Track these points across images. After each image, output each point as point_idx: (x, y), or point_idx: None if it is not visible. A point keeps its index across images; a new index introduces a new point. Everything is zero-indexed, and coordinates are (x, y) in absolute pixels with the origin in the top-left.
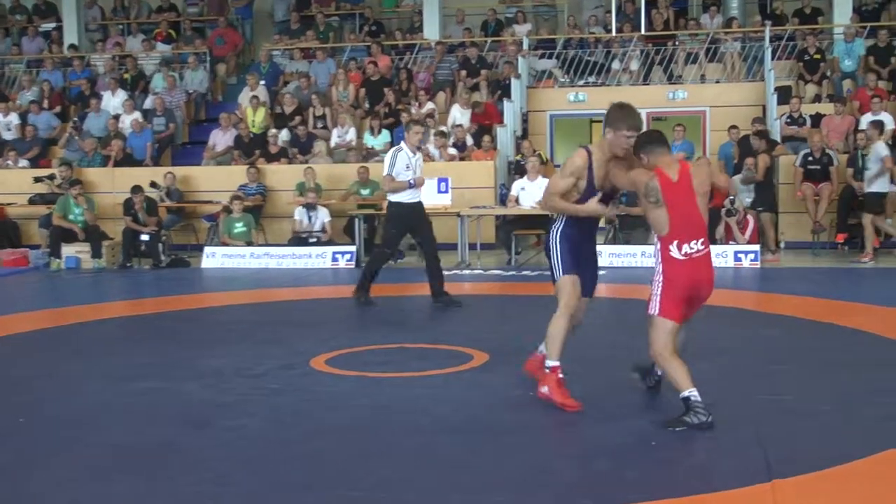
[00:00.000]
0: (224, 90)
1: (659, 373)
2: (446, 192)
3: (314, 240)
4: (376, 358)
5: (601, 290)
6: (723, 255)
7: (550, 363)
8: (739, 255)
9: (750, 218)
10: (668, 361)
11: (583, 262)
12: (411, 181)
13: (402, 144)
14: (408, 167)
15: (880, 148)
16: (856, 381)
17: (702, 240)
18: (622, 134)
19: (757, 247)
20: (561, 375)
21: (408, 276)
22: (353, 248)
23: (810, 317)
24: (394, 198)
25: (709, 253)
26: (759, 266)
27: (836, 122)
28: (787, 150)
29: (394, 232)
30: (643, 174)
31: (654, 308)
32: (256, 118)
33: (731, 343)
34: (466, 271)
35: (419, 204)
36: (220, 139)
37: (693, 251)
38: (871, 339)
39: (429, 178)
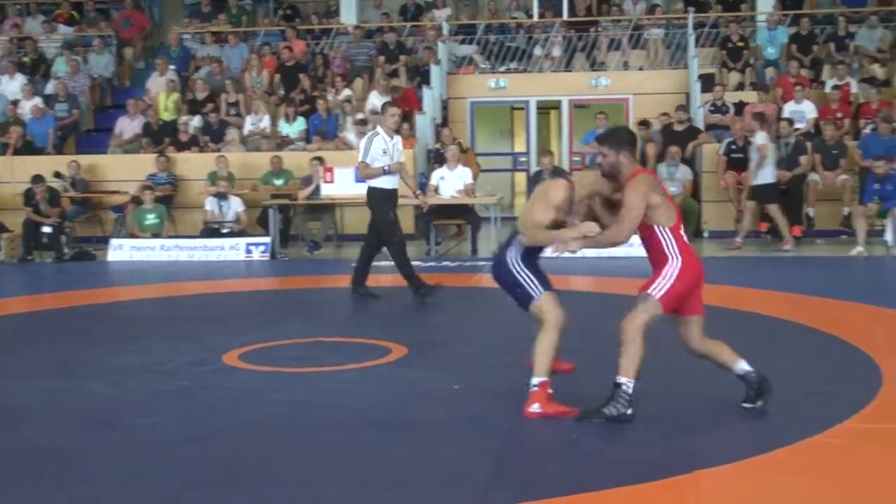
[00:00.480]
0: (131, 75)
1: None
2: (364, 181)
3: (227, 230)
4: (291, 352)
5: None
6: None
7: (538, 380)
8: None
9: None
10: (635, 342)
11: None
12: (386, 167)
13: (378, 128)
14: (384, 152)
15: (759, 138)
16: (778, 371)
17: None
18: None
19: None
20: (550, 391)
21: (323, 269)
22: (267, 240)
23: (733, 306)
24: (373, 183)
25: None
26: None
27: (759, 110)
28: (711, 139)
29: (389, 216)
30: (638, 191)
31: (659, 292)
32: (168, 104)
33: (655, 333)
34: (385, 262)
35: (396, 192)
36: (128, 126)
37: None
38: (794, 327)
39: (346, 167)
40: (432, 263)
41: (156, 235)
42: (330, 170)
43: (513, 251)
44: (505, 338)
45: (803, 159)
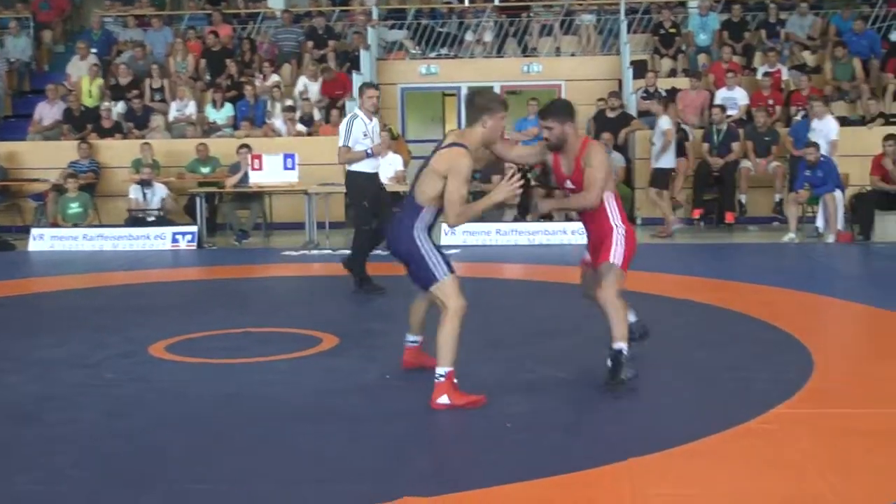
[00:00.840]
0: (50, 59)
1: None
2: (293, 168)
3: (152, 219)
4: (221, 343)
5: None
6: (579, 232)
7: (444, 370)
8: None
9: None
10: (618, 307)
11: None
12: (369, 150)
13: (357, 111)
14: (365, 135)
15: (663, 122)
16: (710, 357)
17: None
18: (501, 116)
19: None
20: (455, 380)
21: (252, 258)
22: (194, 229)
23: (666, 294)
24: (353, 168)
25: None
26: None
27: (692, 96)
28: (643, 125)
29: (363, 205)
30: (602, 156)
31: (618, 259)
32: (92, 89)
33: (587, 321)
34: (315, 251)
35: (377, 175)
36: (48, 112)
37: None
38: (726, 314)
39: (275, 153)
40: None
41: (76, 225)
42: (258, 157)
43: (418, 225)
44: (435, 327)
45: (735, 146)
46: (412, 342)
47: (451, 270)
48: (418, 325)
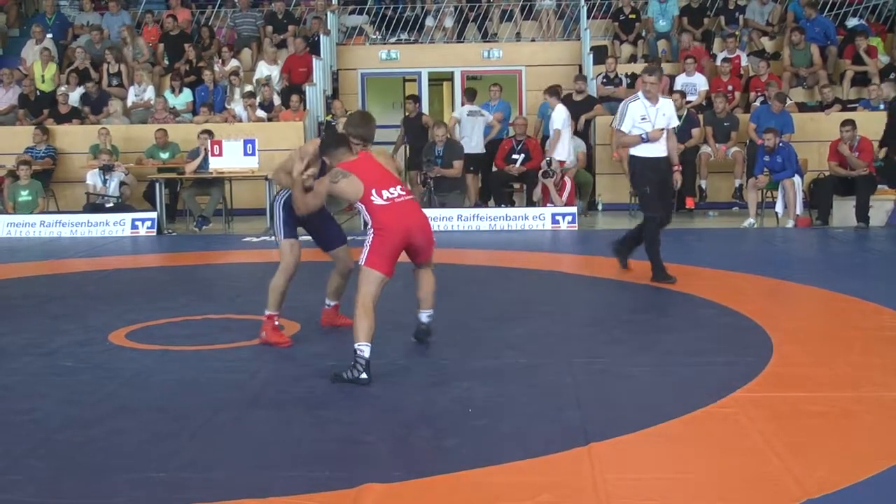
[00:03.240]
0: (4, 43)
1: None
2: (253, 154)
3: (110, 205)
4: (181, 331)
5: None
6: (540, 218)
7: (268, 312)
8: (557, 218)
9: (567, 180)
10: (366, 312)
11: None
12: (644, 135)
13: (639, 94)
14: (643, 118)
15: (558, 112)
16: (670, 342)
17: (399, 186)
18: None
19: (574, 209)
20: (277, 323)
21: (212, 244)
22: (153, 215)
23: (627, 279)
24: (635, 151)
25: (413, 201)
26: (576, 228)
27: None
28: (606, 111)
29: (645, 191)
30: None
31: (362, 259)
32: (46, 74)
33: (549, 306)
34: (274, 237)
35: (664, 160)
36: (2, 97)
37: (395, 195)
38: (686, 298)
39: (234, 139)
40: None
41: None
42: (218, 143)
43: (282, 193)
44: (396, 313)
45: (695, 132)
46: (329, 305)
47: (290, 235)
48: (335, 291)
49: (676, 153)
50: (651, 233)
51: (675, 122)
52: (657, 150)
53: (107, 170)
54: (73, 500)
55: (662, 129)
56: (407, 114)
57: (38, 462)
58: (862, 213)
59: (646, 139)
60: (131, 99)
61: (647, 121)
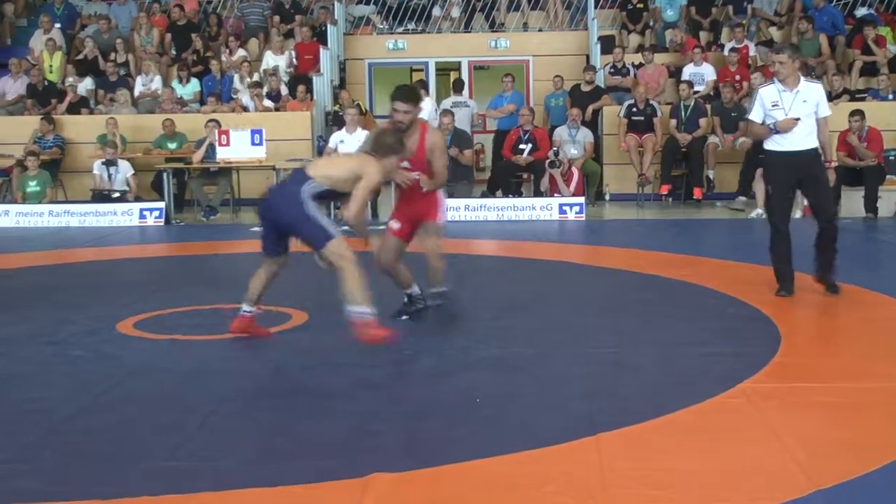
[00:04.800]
0: (13, 33)
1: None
2: (260, 144)
3: (116, 196)
4: (189, 320)
5: (416, 243)
6: (548, 208)
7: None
8: (564, 208)
9: (574, 170)
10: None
11: None
12: (771, 125)
13: (774, 80)
14: (775, 105)
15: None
16: (678, 333)
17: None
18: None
19: (582, 199)
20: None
21: (220, 234)
22: (161, 205)
23: (635, 269)
24: (767, 145)
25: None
26: (584, 218)
27: (649, 72)
28: (613, 101)
29: (768, 190)
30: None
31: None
32: (54, 64)
33: (556, 296)
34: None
35: (805, 155)
36: (11, 87)
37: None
38: (693, 288)
39: (242, 129)
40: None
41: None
42: (226, 133)
43: (305, 192)
44: (400, 301)
45: (703, 122)
46: (247, 312)
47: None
48: (258, 295)
49: (829, 146)
50: (773, 241)
51: (826, 112)
52: (795, 142)
53: (110, 164)
54: (80, 488)
55: (797, 119)
56: None
57: (46, 451)
58: (870, 203)
59: (774, 130)
60: (139, 89)
61: (779, 108)
